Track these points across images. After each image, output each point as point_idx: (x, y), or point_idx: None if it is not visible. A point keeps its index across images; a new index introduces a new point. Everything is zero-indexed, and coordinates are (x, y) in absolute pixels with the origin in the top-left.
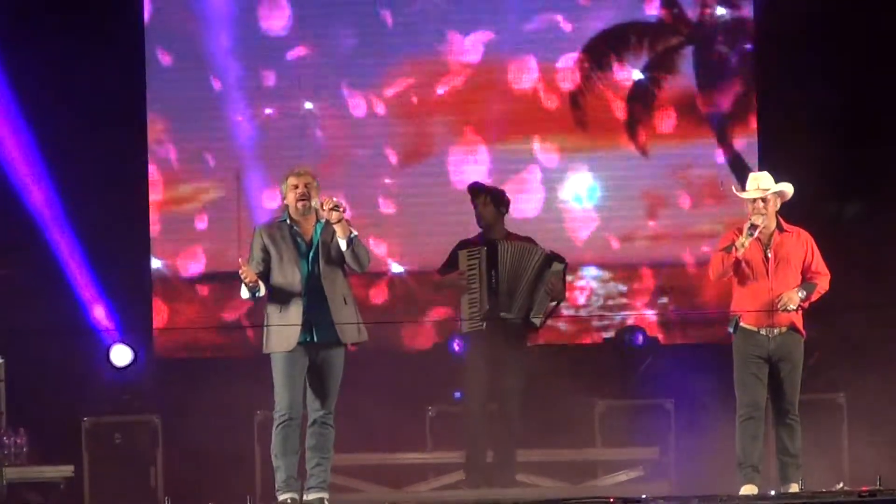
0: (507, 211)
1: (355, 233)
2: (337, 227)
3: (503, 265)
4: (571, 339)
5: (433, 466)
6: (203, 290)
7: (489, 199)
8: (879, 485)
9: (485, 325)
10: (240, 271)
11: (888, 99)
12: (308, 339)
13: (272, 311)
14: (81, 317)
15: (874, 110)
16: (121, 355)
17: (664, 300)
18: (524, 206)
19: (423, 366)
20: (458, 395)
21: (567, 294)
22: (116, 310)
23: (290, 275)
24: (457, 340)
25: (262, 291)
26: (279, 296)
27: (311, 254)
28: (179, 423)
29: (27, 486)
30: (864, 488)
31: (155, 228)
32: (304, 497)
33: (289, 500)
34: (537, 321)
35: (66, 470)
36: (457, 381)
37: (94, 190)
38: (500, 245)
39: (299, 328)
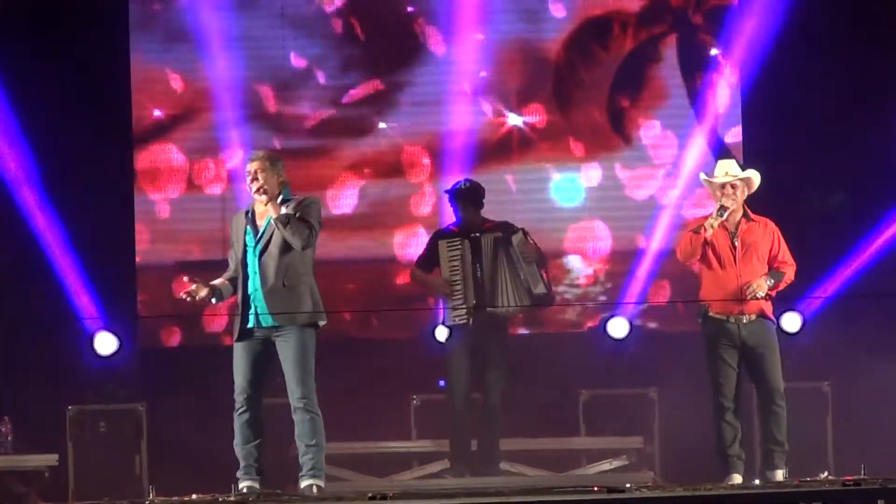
0: (483, 204)
1: (284, 210)
2: (269, 208)
3: (486, 258)
4: (556, 327)
5: (417, 455)
6: (188, 277)
7: (469, 203)
8: (864, 474)
9: (471, 320)
10: (184, 292)
11: (874, 89)
12: (256, 326)
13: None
14: (65, 305)
15: (860, 100)
16: (105, 343)
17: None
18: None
19: (407, 355)
20: (442, 382)
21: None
22: (101, 298)
23: (237, 267)
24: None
25: (227, 294)
26: (236, 286)
27: (256, 242)
28: (164, 411)
29: (11, 475)
30: (848, 477)
31: (139, 215)
32: (299, 485)
33: (246, 488)
34: (541, 290)
35: (51, 458)
36: (441, 370)
37: (77, 177)
38: (483, 238)
39: (245, 319)
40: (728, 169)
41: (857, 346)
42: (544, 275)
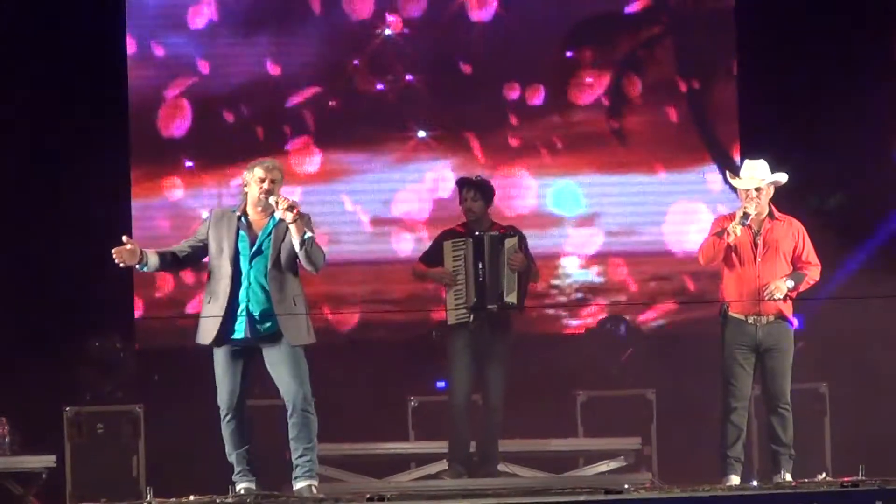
0: (492, 202)
1: (310, 234)
2: (291, 227)
3: (487, 257)
4: (554, 329)
5: (415, 457)
6: (184, 277)
7: (479, 195)
8: (862, 475)
9: (471, 317)
10: (114, 250)
11: (873, 89)
12: (247, 336)
13: (204, 300)
14: (63, 306)
15: (856, 101)
16: (103, 345)
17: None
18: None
19: (405, 356)
20: (440, 384)
21: (548, 279)
22: (98, 299)
23: (222, 269)
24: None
25: (151, 267)
26: (211, 287)
27: (251, 251)
28: (162, 413)
29: (8, 476)
30: (846, 478)
31: (136, 216)
32: (294, 486)
33: (243, 490)
34: (512, 299)
35: (48, 460)
36: (440, 371)
37: (74, 177)
38: (486, 237)
39: (218, 325)
40: (754, 172)
41: (854, 347)
42: (525, 286)
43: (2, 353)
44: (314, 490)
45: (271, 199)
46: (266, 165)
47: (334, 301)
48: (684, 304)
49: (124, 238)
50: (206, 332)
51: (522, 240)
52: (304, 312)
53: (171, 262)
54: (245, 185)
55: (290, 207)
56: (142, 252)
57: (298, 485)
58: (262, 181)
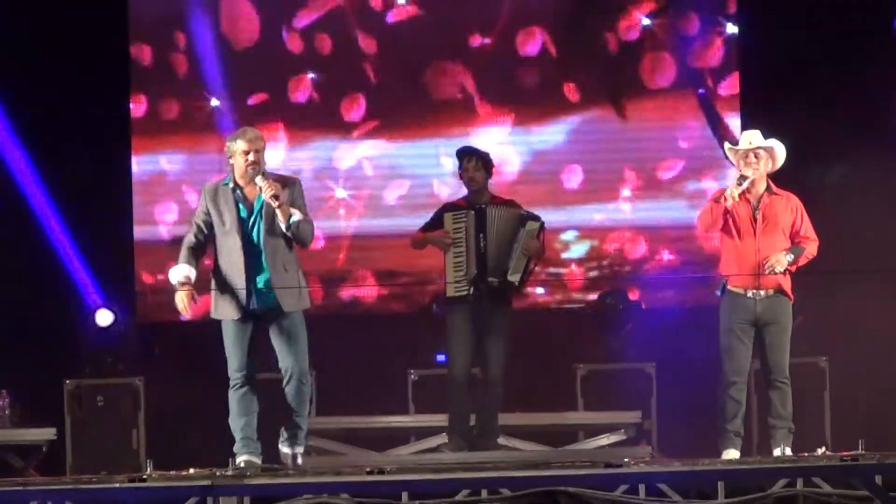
0: (492, 174)
1: (295, 218)
2: (277, 213)
3: (491, 230)
4: (554, 303)
5: (415, 430)
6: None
7: (480, 164)
8: (861, 449)
9: (471, 290)
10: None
11: (872, 61)
12: (253, 306)
13: (216, 277)
14: (64, 279)
15: (859, 72)
16: (103, 317)
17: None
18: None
19: (405, 329)
20: (440, 357)
21: (547, 253)
22: (99, 272)
23: (231, 242)
24: (440, 304)
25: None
26: (224, 262)
27: (251, 220)
28: (162, 385)
29: (9, 449)
30: (845, 453)
31: (137, 189)
32: (281, 449)
33: (243, 462)
34: (515, 279)
35: (49, 432)
36: (440, 344)
37: (75, 152)
38: (488, 210)
39: (244, 297)
40: (752, 139)
41: (854, 320)
42: (531, 271)
43: (2, 326)
44: (299, 459)
45: (258, 181)
46: (248, 137)
47: (335, 275)
48: (684, 279)
49: (181, 279)
50: (224, 306)
51: (542, 228)
52: (297, 278)
53: (198, 257)
54: (230, 157)
55: (274, 197)
56: (192, 287)
57: (283, 449)
58: (247, 154)
